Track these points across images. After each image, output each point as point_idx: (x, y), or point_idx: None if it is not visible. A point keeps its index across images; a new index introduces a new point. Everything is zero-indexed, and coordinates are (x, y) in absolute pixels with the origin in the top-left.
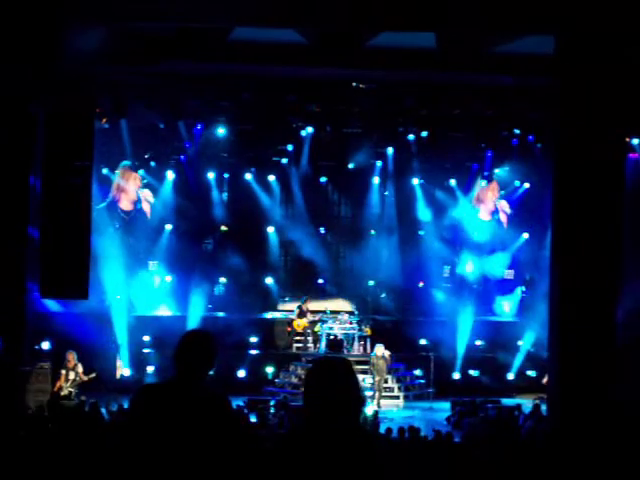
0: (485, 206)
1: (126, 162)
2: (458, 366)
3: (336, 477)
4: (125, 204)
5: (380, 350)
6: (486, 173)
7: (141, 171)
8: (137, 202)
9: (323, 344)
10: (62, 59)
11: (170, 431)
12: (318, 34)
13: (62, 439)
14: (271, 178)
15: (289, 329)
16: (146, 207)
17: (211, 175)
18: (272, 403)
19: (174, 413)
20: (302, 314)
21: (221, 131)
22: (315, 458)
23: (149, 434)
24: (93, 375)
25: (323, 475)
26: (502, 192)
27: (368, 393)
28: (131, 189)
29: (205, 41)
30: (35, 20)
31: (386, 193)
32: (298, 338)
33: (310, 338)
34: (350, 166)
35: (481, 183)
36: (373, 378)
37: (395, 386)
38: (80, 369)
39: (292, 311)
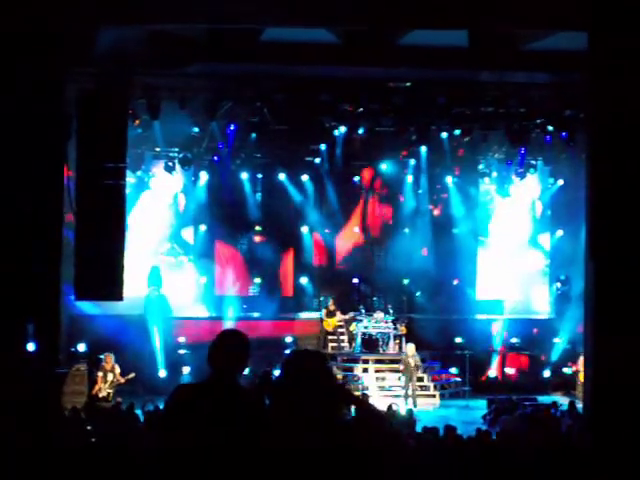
0: (520, 203)
1: None
2: (494, 364)
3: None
4: None
5: (410, 350)
6: (520, 170)
7: (174, 171)
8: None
9: (358, 343)
10: (95, 61)
11: (206, 429)
12: (350, 33)
13: (98, 440)
14: (304, 178)
15: (322, 329)
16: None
17: (244, 175)
18: None
19: (209, 412)
20: (330, 314)
21: (254, 131)
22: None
23: (185, 433)
24: (131, 376)
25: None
26: (540, 189)
27: (402, 392)
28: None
29: (237, 42)
30: (67, 21)
31: (420, 191)
32: (332, 337)
33: (344, 337)
34: (383, 165)
35: (515, 180)
36: (406, 376)
37: (431, 385)
38: (117, 370)
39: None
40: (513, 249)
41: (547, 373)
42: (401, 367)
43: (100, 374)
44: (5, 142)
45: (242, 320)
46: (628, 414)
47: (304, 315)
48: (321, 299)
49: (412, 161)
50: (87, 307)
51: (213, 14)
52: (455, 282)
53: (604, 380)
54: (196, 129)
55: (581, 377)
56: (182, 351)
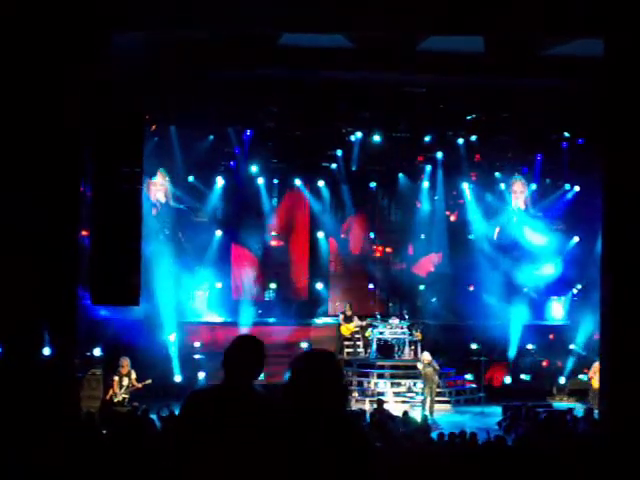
0: (536, 208)
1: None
2: (509, 370)
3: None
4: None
5: (426, 357)
6: (536, 176)
7: (191, 177)
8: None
9: (374, 349)
10: (111, 67)
11: (220, 435)
12: (367, 39)
13: (114, 445)
14: (320, 184)
15: (339, 334)
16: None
17: (260, 181)
18: None
19: (224, 417)
20: (347, 319)
21: (270, 137)
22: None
23: (200, 438)
24: (147, 382)
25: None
26: (556, 195)
27: (418, 397)
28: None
29: (254, 47)
30: (83, 27)
31: (436, 197)
32: (347, 343)
33: (360, 343)
34: (399, 171)
35: (531, 186)
36: (424, 384)
37: (446, 391)
38: (133, 375)
39: (337, 316)
40: (529, 255)
41: (563, 380)
42: (423, 374)
43: (116, 378)
44: (21, 147)
45: (257, 325)
46: None
47: (320, 320)
48: (337, 304)
49: (428, 167)
50: (103, 312)
51: (229, 19)
52: (471, 288)
53: (621, 387)
54: (212, 133)
55: (594, 383)
56: (197, 356)
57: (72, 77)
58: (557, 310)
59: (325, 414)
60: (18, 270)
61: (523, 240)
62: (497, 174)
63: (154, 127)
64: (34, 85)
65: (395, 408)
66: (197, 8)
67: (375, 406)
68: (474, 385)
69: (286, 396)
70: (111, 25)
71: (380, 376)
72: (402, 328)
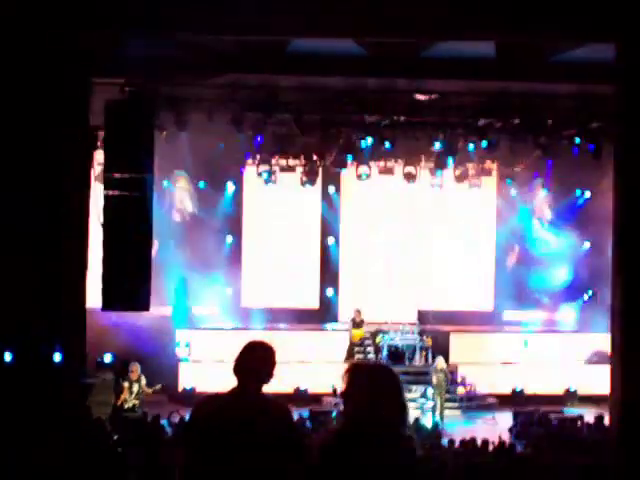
0: (546, 215)
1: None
2: (520, 376)
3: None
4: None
5: (440, 363)
6: (547, 182)
7: (202, 183)
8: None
9: (384, 355)
10: (123, 71)
11: (232, 441)
12: (377, 44)
13: (125, 451)
14: (331, 190)
15: (349, 340)
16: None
17: (271, 187)
18: (334, 415)
19: (236, 423)
20: (356, 325)
21: (280, 143)
22: (355, 461)
23: (210, 445)
24: (158, 387)
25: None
26: (567, 201)
27: (429, 403)
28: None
29: (264, 53)
30: (94, 31)
31: (448, 203)
32: (357, 349)
33: (370, 349)
34: (410, 176)
35: (542, 192)
36: (434, 390)
37: (457, 397)
38: (144, 381)
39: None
40: (541, 260)
41: (574, 386)
42: (434, 380)
43: (126, 384)
44: (31, 153)
45: (268, 331)
46: None
47: (330, 326)
48: (347, 310)
49: (438, 172)
50: (114, 317)
51: (240, 25)
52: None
53: (632, 395)
54: (222, 140)
55: None
56: (208, 362)
57: (78, 78)
58: (568, 316)
59: (384, 429)
60: (28, 276)
61: (536, 245)
62: (508, 180)
63: (165, 133)
64: (39, 85)
65: None
66: (208, 14)
67: None
68: (485, 391)
69: (346, 410)
70: (122, 29)
71: None
72: (413, 334)
